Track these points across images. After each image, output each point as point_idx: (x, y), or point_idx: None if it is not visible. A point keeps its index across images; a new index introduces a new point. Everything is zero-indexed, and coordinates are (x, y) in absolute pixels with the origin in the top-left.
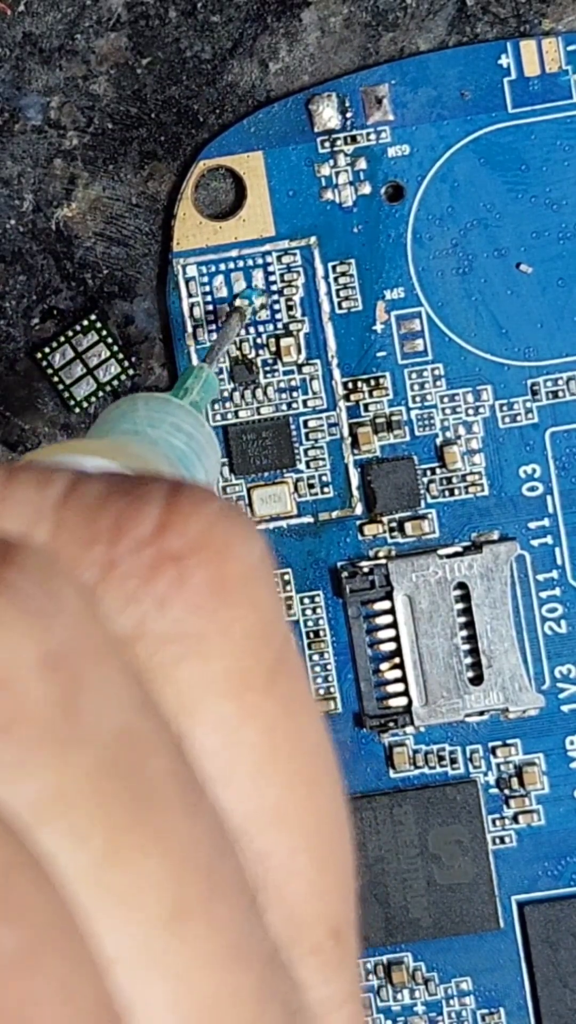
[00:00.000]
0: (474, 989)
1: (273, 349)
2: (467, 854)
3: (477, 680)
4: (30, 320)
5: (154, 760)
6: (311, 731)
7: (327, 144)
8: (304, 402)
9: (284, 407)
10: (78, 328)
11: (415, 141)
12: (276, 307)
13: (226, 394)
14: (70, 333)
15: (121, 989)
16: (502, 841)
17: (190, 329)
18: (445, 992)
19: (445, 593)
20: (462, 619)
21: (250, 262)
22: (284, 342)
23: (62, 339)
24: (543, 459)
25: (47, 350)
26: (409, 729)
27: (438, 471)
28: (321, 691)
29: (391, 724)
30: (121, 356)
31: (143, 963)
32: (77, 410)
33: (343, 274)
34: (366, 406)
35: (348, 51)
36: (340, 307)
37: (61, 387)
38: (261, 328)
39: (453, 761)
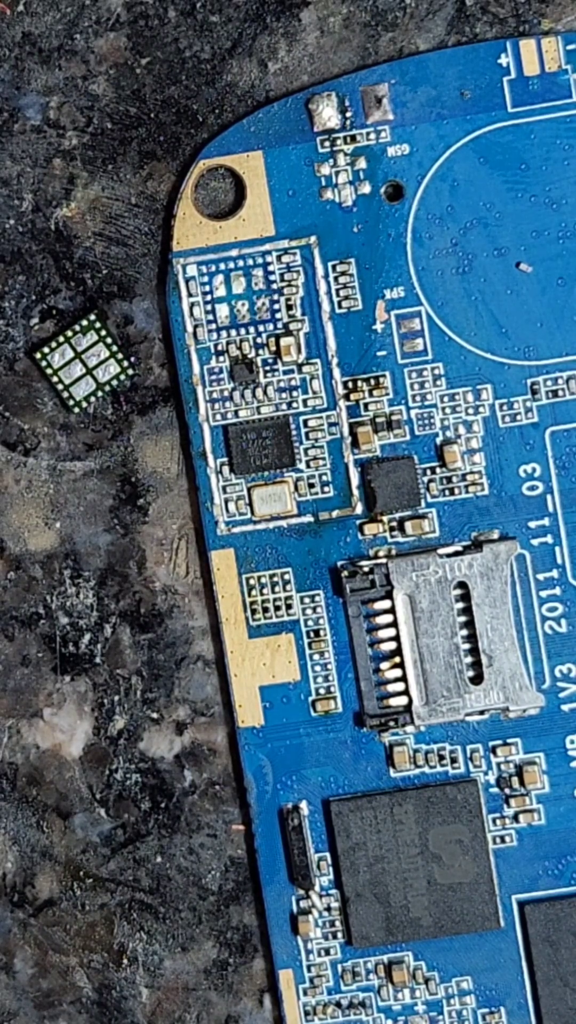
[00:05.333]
0: (475, 988)
1: (273, 348)
2: (467, 853)
3: (477, 679)
4: (29, 320)
5: None
6: None
7: (327, 144)
8: (304, 401)
9: (284, 406)
10: (77, 328)
11: (415, 140)
12: (276, 307)
13: (226, 394)
14: (69, 333)
15: None
16: (502, 840)
17: (190, 329)
18: (446, 991)
19: (445, 592)
20: (462, 618)
21: (250, 261)
22: (284, 341)
23: (61, 339)
24: (543, 458)
25: (46, 350)
26: (409, 728)
27: (438, 470)
28: (321, 691)
29: (391, 723)
30: (120, 356)
31: None
32: (76, 410)
33: (343, 273)
34: (366, 405)
35: (347, 51)
36: (340, 306)
37: (60, 387)
38: (261, 328)
39: (453, 760)
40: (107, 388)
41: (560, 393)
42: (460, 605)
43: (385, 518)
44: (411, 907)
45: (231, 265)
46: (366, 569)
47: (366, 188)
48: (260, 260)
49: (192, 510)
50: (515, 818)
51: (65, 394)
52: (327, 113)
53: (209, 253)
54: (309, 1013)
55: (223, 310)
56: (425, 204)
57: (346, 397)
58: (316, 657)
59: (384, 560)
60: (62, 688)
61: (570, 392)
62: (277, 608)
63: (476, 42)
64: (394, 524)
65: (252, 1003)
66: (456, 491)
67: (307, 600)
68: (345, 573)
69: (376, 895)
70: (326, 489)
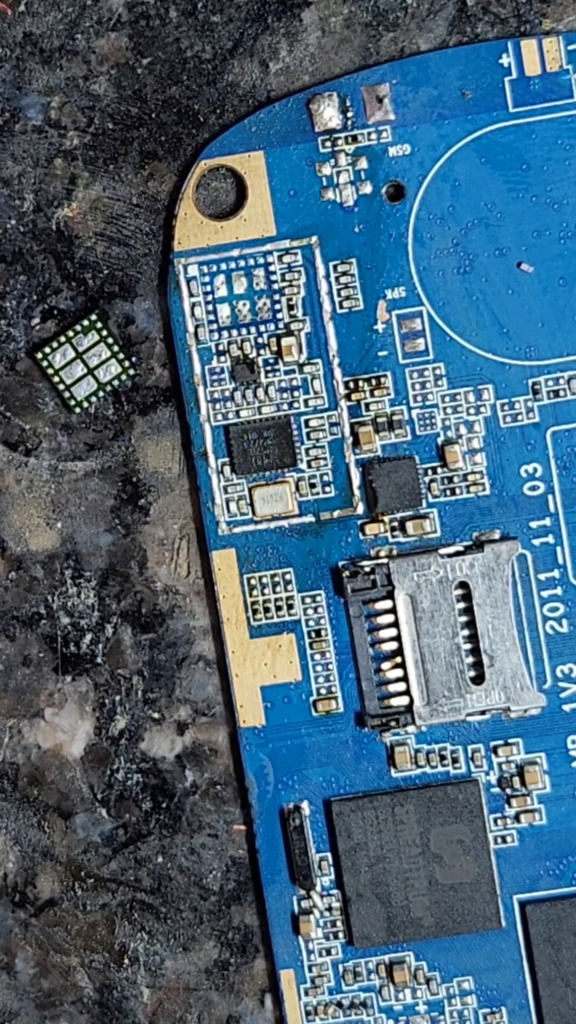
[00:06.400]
0: (476, 988)
1: (274, 348)
2: (469, 853)
3: (478, 679)
4: (30, 320)
5: None
6: None
7: (328, 144)
8: (305, 401)
9: (285, 406)
10: (78, 328)
11: (416, 140)
12: (277, 307)
13: (227, 394)
14: (70, 333)
15: None
16: (504, 840)
17: (191, 329)
18: (447, 991)
19: (446, 592)
20: (463, 618)
21: (251, 262)
22: (285, 341)
23: (62, 339)
24: (544, 458)
25: (47, 350)
26: (411, 728)
27: (439, 470)
28: (323, 691)
29: (393, 723)
30: (122, 356)
31: None
32: (78, 410)
33: (344, 273)
34: (367, 405)
35: (349, 51)
36: (341, 306)
37: (62, 387)
38: (262, 328)
39: (455, 760)
40: (108, 388)
41: (561, 393)
42: (461, 605)
43: (386, 518)
44: (412, 907)
45: (232, 265)
46: (367, 569)
47: (367, 188)
48: (261, 260)
49: (193, 510)
50: (516, 818)
51: (66, 394)
52: (328, 113)
53: (210, 253)
54: (310, 1013)
55: (224, 310)
56: (426, 204)
57: (347, 397)
58: (317, 657)
59: (385, 560)
60: (63, 688)
61: (571, 392)
62: (278, 608)
63: (477, 42)
64: (395, 524)
65: (253, 1003)
66: (457, 491)
67: (308, 600)
68: (346, 573)
69: (377, 895)
70: (327, 489)
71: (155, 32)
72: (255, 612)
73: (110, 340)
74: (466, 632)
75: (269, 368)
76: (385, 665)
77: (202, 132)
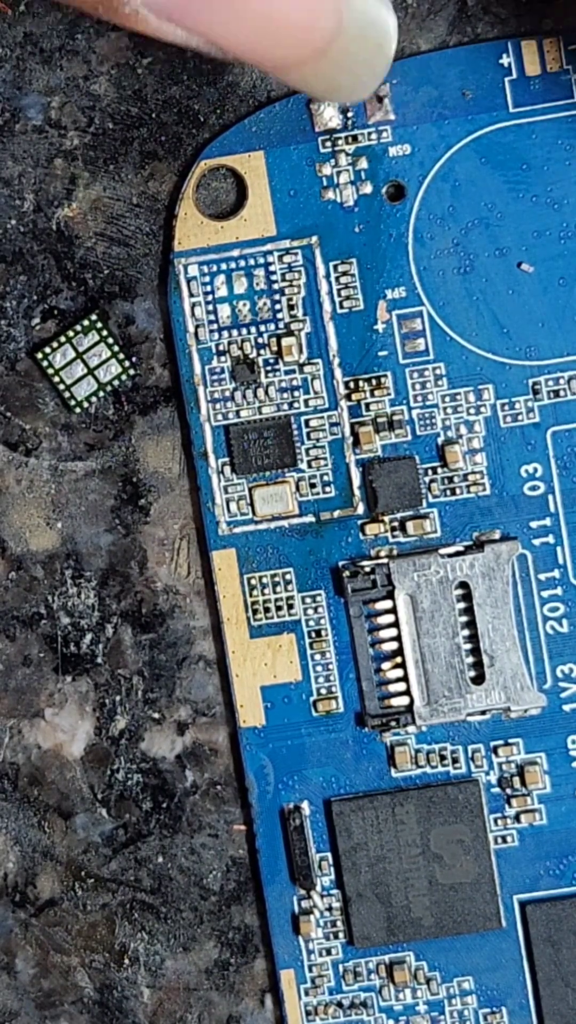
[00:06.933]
0: (476, 988)
1: (274, 349)
2: (469, 853)
3: (479, 679)
4: (31, 320)
5: None
6: None
7: (328, 144)
8: (305, 401)
9: (285, 407)
10: (79, 328)
11: (416, 140)
12: (277, 306)
13: (227, 394)
14: (71, 333)
15: None
16: (504, 840)
17: (191, 329)
18: (447, 991)
19: (447, 592)
20: (464, 618)
21: (251, 262)
22: (285, 342)
23: (63, 339)
24: (544, 458)
25: (47, 350)
26: (411, 728)
27: (439, 470)
28: (323, 691)
29: (393, 723)
30: (122, 356)
31: None
32: (78, 410)
33: (344, 273)
34: (367, 405)
35: None
36: (341, 306)
37: (62, 387)
38: (262, 328)
39: (455, 760)
40: (108, 388)
41: (561, 393)
42: (461, 605)
43: (386, 518)
44: (412, 907)
45: (232, 265)
46: (367, 569)
47: (367, 188)
48: (261, 260)
49: (193, 510)
50: (516, 818)
51: (66, 394)
52: (328, 113)
53: (210, 253)
54: (310, 1013)
55: (224, 310)
56: (426, 204)
57: (347, 397)
58: (317, 657)
59: (385, 560)
60: (63, 688)
61: (571, 392)
62: (278, 608)
63: (478, 42)
64: (395, 524)
65: (253, 1003)
66: (457, 491)
67: (308, 600)
68: (346, 573)
69: (377, 895)
70: (327, 489)
71: None
72: (255, 612)
73: (110, 340)
74: (466, 632)
75: (269, 368)
76: (385, 665)
77: (202, 132)
